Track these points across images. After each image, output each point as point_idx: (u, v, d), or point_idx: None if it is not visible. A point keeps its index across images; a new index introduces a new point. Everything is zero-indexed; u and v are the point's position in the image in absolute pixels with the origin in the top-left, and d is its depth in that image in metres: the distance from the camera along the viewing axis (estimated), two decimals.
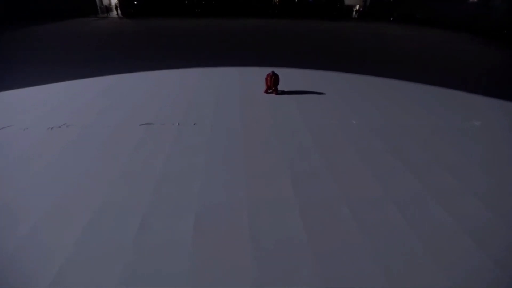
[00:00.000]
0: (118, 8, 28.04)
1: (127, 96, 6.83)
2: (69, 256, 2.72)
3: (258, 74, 8.51)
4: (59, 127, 5.22)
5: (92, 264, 2.66)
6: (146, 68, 9.18)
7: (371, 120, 5.81)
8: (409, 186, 3.86)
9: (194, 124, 5.43)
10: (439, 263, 2.76)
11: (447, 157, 4.57)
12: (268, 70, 7.21)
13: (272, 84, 6.98)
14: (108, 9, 29.27)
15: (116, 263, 2.67)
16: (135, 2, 27.63)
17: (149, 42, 14.62)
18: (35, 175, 3.87)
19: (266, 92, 7.13)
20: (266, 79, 7.03)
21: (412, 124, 5.70)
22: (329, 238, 3.01)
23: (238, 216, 3.25)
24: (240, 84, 7.92)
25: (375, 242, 2.97)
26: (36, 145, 4.63)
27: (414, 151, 4.74)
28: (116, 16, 27.71)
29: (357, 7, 32.21)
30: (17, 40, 14.48)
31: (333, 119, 5.83)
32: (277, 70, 7.36)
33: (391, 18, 29.50)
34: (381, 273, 2.64)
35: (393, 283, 2.57)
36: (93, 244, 2.87)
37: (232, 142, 4.81)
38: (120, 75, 8.48)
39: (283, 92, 7.18)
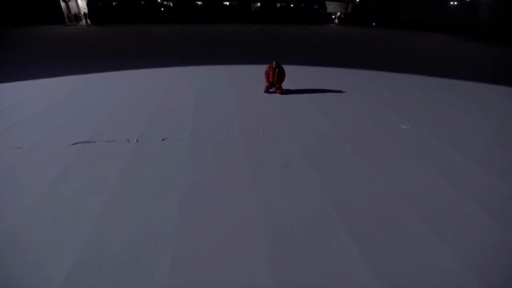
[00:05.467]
0: (87, 16, 25.63)
1: (63, 102, 4.63)
2: None
3: (252, 72, 6.64)
4: None
5: None
6: (103, 70, 7.02)
7: (424, 123, 4.04)
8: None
9: (162, 139, 3.37)
10: None
11: None
12: (264, 67, 5.28)
13: (276, 80, 5.06)
14: (77, 17, 26.84)
15: None
16: (105, 9, 25.30)
17: (111, 45, 12.42)
18: None
19: (267, 91, 5.20)
20: (267, 72, 5.09)
21: (480, 126, 4.00)
22: None
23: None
24: (230, 83, 5.96)
25: None
26: None
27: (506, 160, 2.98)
28: (85, 24, 25.21)
29: (338, 13, 32.11)
30: None
31: (372, 124, 4.00)
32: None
33: (374, 23, 29.37)
34: None
35: None
36: None
37: (226, 166, 2.79)
38: (62, 78, 6.24)
39: (289, 92, 5.30)
